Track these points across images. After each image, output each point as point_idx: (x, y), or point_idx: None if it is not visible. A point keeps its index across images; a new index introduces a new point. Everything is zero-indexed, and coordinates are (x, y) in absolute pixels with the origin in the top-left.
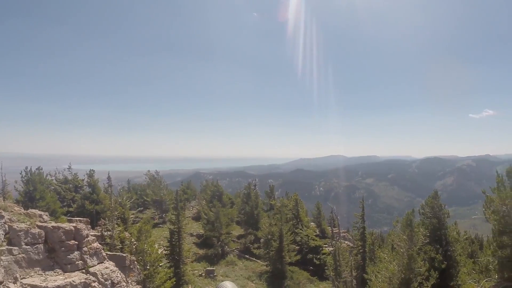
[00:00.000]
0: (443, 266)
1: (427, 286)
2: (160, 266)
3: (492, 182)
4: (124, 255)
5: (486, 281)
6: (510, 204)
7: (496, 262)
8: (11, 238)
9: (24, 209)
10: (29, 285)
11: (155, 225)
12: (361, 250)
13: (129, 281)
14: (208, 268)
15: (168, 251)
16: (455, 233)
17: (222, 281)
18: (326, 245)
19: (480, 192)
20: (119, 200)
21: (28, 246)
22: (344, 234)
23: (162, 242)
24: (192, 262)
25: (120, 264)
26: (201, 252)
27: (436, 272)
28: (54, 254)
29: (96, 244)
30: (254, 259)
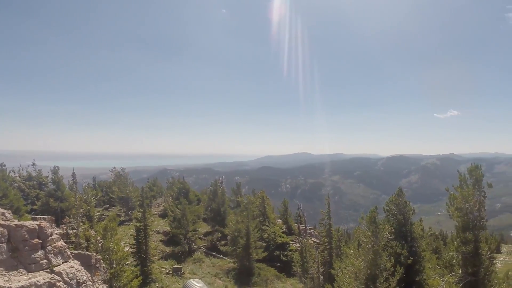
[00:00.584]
0: (408, 261)
1: (393, 281)
2: (127, 264)
3: (456, 180)
4: (90, 253)
5: (450, 276)
6: (472, 201)
7: (460, 257)
8: None
9: None
10: None
11: (121, 223)
12: (327, 247)
13: (95, 280)
14: (175, 266)
15: (135, 249)
16: (420, 229)
17: (190, 278)
18: (293, 242)
19: (443, 190)
20: (84, 197)
21: None
22: (311, 230)
23: (128, 240)
24: (159, 260)
25: (86, 263)
26: (168, 249)
27: (402, 267)
28: (18, 253)
29: (60, 243)
30: (221, 256)
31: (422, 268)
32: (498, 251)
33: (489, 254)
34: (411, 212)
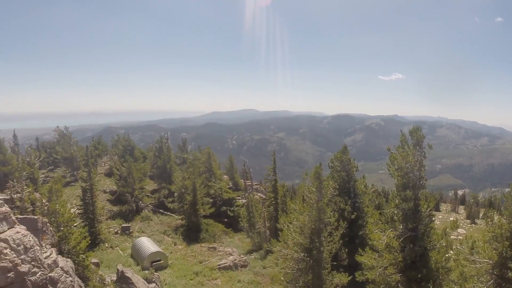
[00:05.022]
0: (352, 216)
1: (337, 235)
2: (74, 226)
3: (398, 140)
4: (36, 217)
5: (391, 231)
6: (412, 161)
7: (400, 213)
8: None
9: None
10: None
11: (66, 184)
12: (273, 202)
13: (43, 245)
14: (123, 225)
15: (82, 210)
16: (363, 186)
17: (138, 237)
18: (240, 197)
19: (387, 149)
20: (27, 159)
21: None
22: (257, 186)
23: (75, 201)
24: (106, 219)
25: (32, 227)
26: (115, 209)
27: (345, 222)
28: None
29: (4, 208)
30: (169, 213)
31: (364, 223)
32: (437, 209)
33: (428, 212)
34: (354, 169)
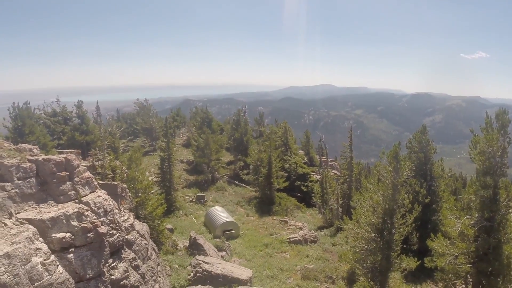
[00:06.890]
0: (426, 200)
1: (410, 218)
2: (152, 193)
3: (481, 123)
4: (116, 183)
5: (466, 218)
6: (496, 146)
7: (478, 201)
8: (3, 174)
9: (14, 145)
10: (24, 219)
11: (145, 153)
12: (347, 179)
13: (122, 209)
14: (198, 194)
15: (159, 178)
16: (440, 169)
17: (212, 206)
18: (314, 173)
19: (467, 132)
20: (109, 129)
21: (20, 181)
22: (332, 163)
23: (153, 169)
24: (182, 188)
25: (112, 192)
26: (192, 178)
27: (420, 205)
28: (47, 186)
29: (87, 174)
30: (243, 185)
31: (439, 208)
32: None
33: (507, 202)
34: (433, 151)
